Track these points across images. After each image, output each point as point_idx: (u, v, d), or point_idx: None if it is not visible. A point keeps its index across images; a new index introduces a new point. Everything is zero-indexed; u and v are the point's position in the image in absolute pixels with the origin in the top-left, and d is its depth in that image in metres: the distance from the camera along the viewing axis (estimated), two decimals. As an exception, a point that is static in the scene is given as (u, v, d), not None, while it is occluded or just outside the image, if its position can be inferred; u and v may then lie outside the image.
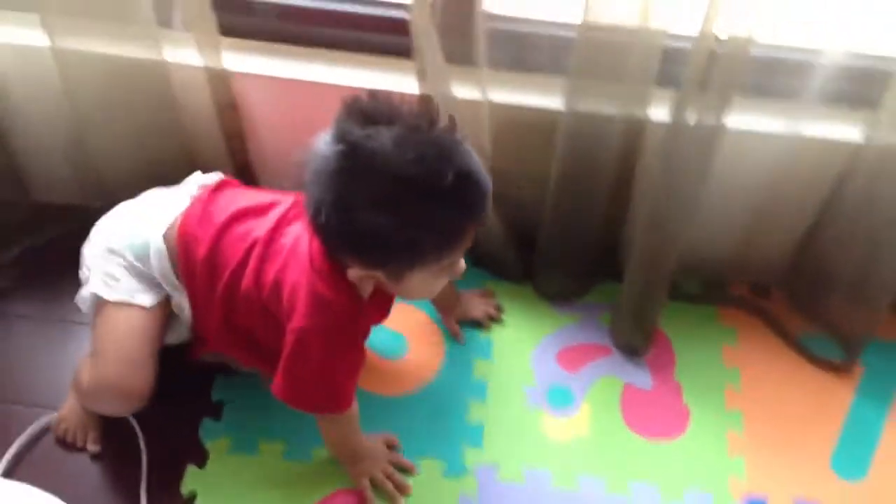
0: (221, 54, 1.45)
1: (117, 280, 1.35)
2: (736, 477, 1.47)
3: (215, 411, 1.51)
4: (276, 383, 1.30)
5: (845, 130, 1.42)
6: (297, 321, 1.24)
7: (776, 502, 1.45)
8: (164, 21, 1.44)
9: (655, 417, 1.54)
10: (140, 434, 1.46)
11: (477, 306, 1.64)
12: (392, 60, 1.49)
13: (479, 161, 1.13)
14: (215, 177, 1.42)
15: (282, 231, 1.30)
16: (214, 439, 1.48)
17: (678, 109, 1.34)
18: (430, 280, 1.21)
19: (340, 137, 1.08)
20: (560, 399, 1.56)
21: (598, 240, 1.60)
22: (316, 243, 1.21)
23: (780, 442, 1.52)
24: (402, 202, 1.08)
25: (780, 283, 1.68)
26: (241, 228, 1.32)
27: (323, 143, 1.10)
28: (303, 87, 1.49)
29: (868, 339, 1.60)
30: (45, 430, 1.48)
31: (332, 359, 1.27)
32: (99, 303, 1.36)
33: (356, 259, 1.16)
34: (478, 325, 1.63)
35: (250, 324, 1.36)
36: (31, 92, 1.57)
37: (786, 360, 1.63)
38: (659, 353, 1.63)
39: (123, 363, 1.33)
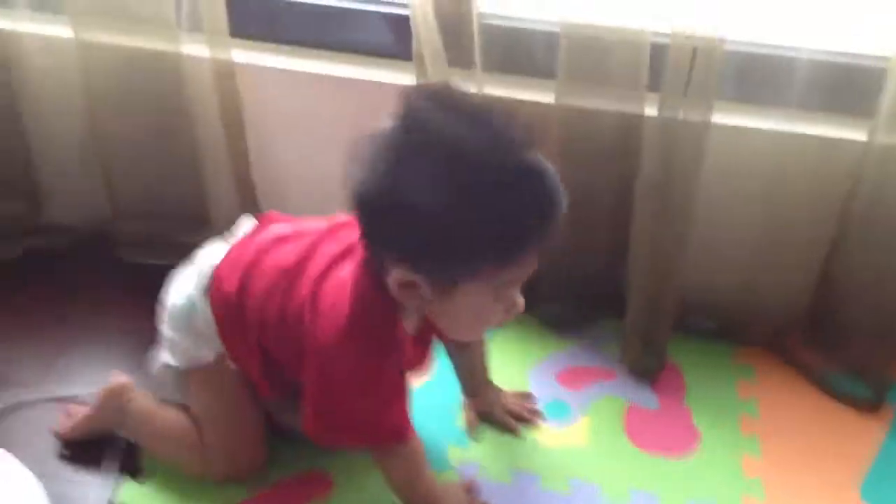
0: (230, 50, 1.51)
1: (178, 345, 1.27)
2: (752, 497, 1.30)
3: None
4: (306, 416, 1.14)
5: (845, 132, 1.39)
6: (320, 340, 1.09)
7: (797, 525, 1.27)
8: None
9: (662, 434, 1.41)
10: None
11: (506, 404, 1.42)
12: (392, 62, 1.52)
13: (552, 169, 1.01)
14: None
15: (313, 257, 1.16)
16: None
17: (667, 106, 1.33)
18: (483, 303, 1.05)
19: (407, 114, 0.99)
20: (557, 411, 1.44)
21: (600, 269, 1.55)
22: (354, 262, 1.11)
23: (803, 470, 1.36)
24: (468, 183, 0.95)
25: (801, 326, 1.57)
26: (269, 260, 1.19)
27: (384, 122, 1.00)
28: (302, 78, 1.54)
29: (892, 381, 1.47)
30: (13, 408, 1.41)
31: (370, 376, 1.10)
32: (177, 371, 1.28)
33: (399, 257, 1.01)
34: (505, 427, 1.40)
35: (286, 363, 1.21)
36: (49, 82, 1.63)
37: (808, 395, 1.49)
38: (668, 380, 1.51)
39: (248, 443, 1.28)
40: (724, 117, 1.39)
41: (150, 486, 1.30)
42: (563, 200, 1.00)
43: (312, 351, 1.11)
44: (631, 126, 1.39)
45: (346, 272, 1.11)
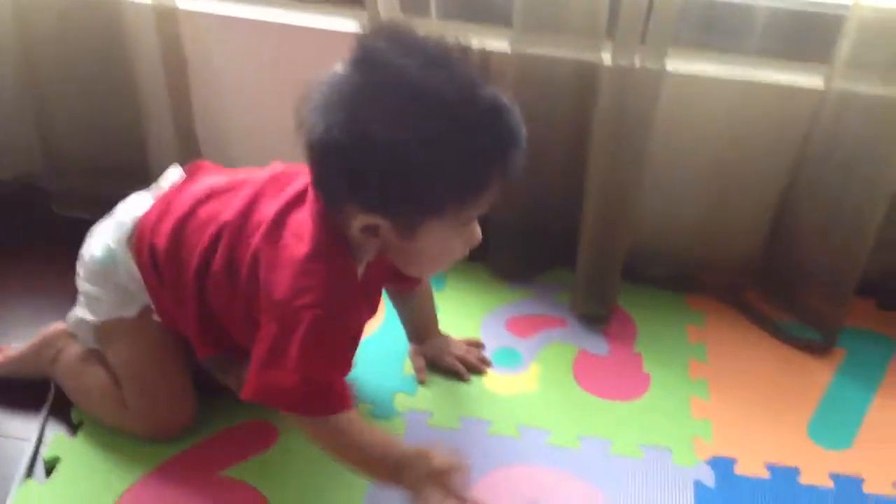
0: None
1: (98, 300, 1.23)
2: (701, 438, 1.30)
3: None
4: (249, 379, 1.06)
5: (802, 80, 1.39)
6: (277, 294, 1.04)
7: (746, 465, 1.27)
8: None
9: (611, 380, 1.40)
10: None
11: (451, 352, 1.39)
12: (341, 8, 1.49)
13: (513, 103, 0.99)
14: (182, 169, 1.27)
15: (257, 207, 1.12)
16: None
17: (622, 53, 1.31)
18: (445, 240, 1.03)
19: (362, 56, 0.96)
20: (507, 359, 1.42)
21: (552, 218, 1.53)
22: (307, 210, 1.07)
23: (750, 410, 1.36)
24: (427, 121, 0.93)
25: (753, 275, 1.56)
26: (205, 212, 1.15)
27: (337, 66, 0.98)
28: (246, 26, 1.49)
29: (842, 326, 1.47)
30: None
31: (322, 347, 1.04)
32: (95, 327, 1.24)
33: (363, 200, 0.98)
34: (452, 373, 1.38)
35: (228, 321, 1.16)
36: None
37: (757, 340, 1.49)
38: (619, 326, 1.50)
39: (165, 399, 1.23)
40: (681, 65, 1.38)
41: (82, 438, 1.26)
42: (524, 134, 0.99)
43: (270, 303, 1.06)
44: (587, 74, 1.37)
45: (300, 221, 1.07)
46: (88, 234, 1.26)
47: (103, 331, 1.23)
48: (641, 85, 1.32)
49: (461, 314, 1.49)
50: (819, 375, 1.43)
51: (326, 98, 0.96)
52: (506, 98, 0.98)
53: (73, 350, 1.29)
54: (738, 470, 1.26)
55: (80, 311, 1.26)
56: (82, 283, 1.24)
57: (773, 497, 1.22)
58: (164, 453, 1.23)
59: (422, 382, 1.36)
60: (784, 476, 1.25)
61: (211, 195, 1.17)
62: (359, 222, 1.00)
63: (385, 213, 0.99)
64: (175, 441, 1.24)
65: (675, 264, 1.59)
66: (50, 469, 1.22)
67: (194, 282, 1.14)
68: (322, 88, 0.97)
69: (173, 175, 1.25)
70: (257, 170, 1.19)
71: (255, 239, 1.09)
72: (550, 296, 1.55)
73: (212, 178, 1.21)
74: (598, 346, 1.46)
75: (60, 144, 1.60)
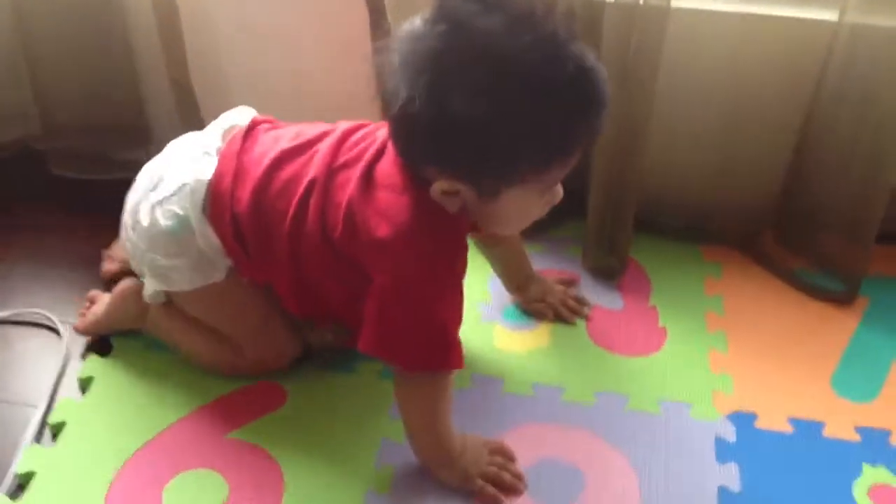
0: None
1: (176, 270, 1.17)
2: (721, 392, 1.26)
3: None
4: (367, 335, 1.05)
5: (814, 13, 1.33)
6: (388, 246, 1.02)
7: (768, 419, 1.23)
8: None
9: (626, 335, 1.36)
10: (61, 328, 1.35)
11: (554, 292, 1.38)
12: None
13: (597, 61, 0.95)
14: (243, 116, 1.21)
15: (340, 163, 1.09)
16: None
17: None
18: (527, 202, 1.02)
19: (443, 15, 0.93)
20: (518, 316, 1.39)
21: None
22: (391, 164, 1.04)
23: (771, 362, 1.32)
24: (510, 91, 0.90)
25: (771, 223, 1.52)
26: (285, 174, 1.11)
27: (417, 23, 0.94)
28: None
29: (865, 273, 1.42)
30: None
31: (442, 297, 1.04)
32: (184, 295, 1.21)
33: (444, 165, 0.97)
34: (561, 319, 1.37)
35: (324, 284, 1.14)
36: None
37: (776, 291, 1.45)
38: (632, 280, 1.46)
39: (276, 343, 1.24)
40: (687, 1, 1.32)
41: (89, 402, 1.24)
42: (609, 94, 0.96)
43: (378, 254, 1.03)
44: (591, 10, 1.31)
45: (388, 174, 1.04)
46: (133, 201, 1.20)
47: (192, 297, 1.21)
48: (647, 21, 1.26)
49: (471, 269, 1.43)
50: (842, 325, 1.38)
51: (406, 59, 0.93)
52: (591, 58, 0.94)
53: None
54: (760, 424, 1.22)
55: (154, 284, 1.21)
56: (146, 256, 1.18)
57: (796, 452, 1.19)
58: (171, 416, 1.21)
59: (549, 320, 1.37)
60: (808, 430, 1.21)
61: (283, 156, 1.12)
62: (440, 186, 0.98)
63: (465, 180, 0.97)
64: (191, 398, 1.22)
65: (690, 213, 1.54)
66: (56, 433, 1.19)
67: (288, 248, 1.10)
68: (402, 46, 0.94)
69: (223, 123, 1.21)
70: (318, 125, 1.16)
71: (347, 194, 1.06)
72: (562, 250, 1.51)
73: (276, 136, 1.16)
74: (612, 300, 1.42)
75: (56, 104, 1.56)
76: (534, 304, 1.37)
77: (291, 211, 1.09)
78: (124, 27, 1.49)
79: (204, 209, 1.14)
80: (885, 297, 1.43)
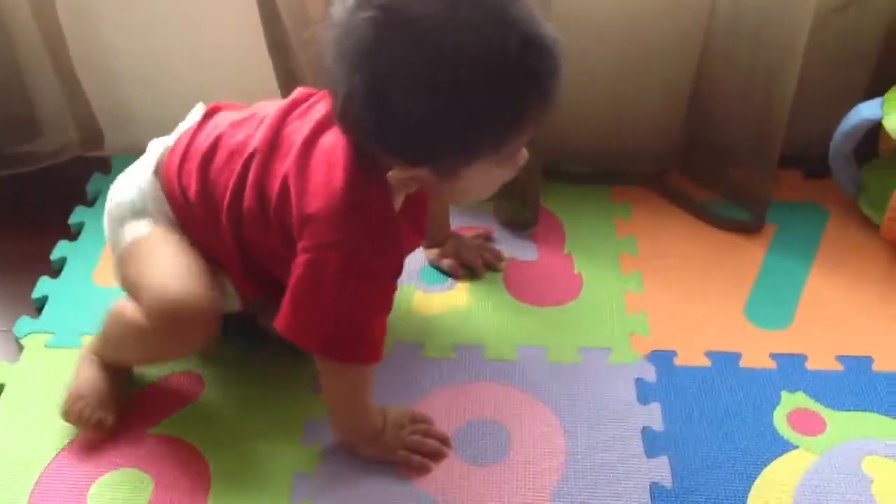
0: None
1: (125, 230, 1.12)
2: (638, 334, 1.28)
3: (35, 310, 1.34)
4: (282, 314, 1.01)
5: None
6: (311, 225, 0.99)
7: (686, 356, 1.25)
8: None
9: (543, 286, 1.36)
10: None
11: (470, 248, 1.37)
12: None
13: (544, 21, 0.90)
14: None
15: (284, 131, 1.05)
16: (30, 334, 1.29)
17: None
18: (488, 174, 0.99)
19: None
20: (434, 277, 1.38)
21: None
22: (336, 136, 0.99)
23: (686, 298, 1.34)
24: (456, 79, 0.85)
25: (676, 159, 1.53)
26: (230, 144, 1.07)
27: (343, 9, 0.89)
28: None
29: (770, 200, 1.45)
30: None
31: (361, 283, 1.00)
32: (119, 255, 1.13)
33: (398, 157, 0.93)
34: (469, 271, 1.37)
35: (267, 257, 1.09)
36: None
37: (687, 225, 1.47)
38: (546, 230, 1.46)
39: (181, 277, 1.05)
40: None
41: (25, 363, 1.20)
42: (560, 62, 0.91)
43: (302, 232, 0.99)
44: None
45: (331, 147, 1.00)
46: (108, 200, 1.17)
47: (126, 251, 1.12)
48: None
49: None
50: (752, 255, 1.41)
51: (341, 47, 0.89)
52: (537, 21, 0.89)
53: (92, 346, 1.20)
54: (679, 361, 1.24)
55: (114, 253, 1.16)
56: (112, 234, 1.15)
57: (716, 385, 1.21)
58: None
59: (458, 278, 1.36)
60: (725, 362, 1.24)
61: (230, 128, 1.09)
62: (396, 174, 0.95)
63: (423, 164, 0.94)
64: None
65: (597, 159, 1.55)
66: None
67: (228, 219, 1.06)
68: (335, 31, 0.90)
69: (195, 114, 1.16)
70: (272, 101, 1.12)
71: (285, 165, 1.02)
72: (473, 206, 1.49)
73: (230, 113, 1.13)
74: (526, 252, 1.42)
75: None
76: (444, 260, 1.36)
77: (234, 179, 1.05)
78: (2, 22, 1.42)
79: (158, 177, 1.11)
80: (791, 222, 1.45)
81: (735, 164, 1.46)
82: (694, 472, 1.10)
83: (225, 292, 1.12)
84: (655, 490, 1.08)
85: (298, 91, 1.11)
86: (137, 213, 1.12)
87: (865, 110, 1.35)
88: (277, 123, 1.06)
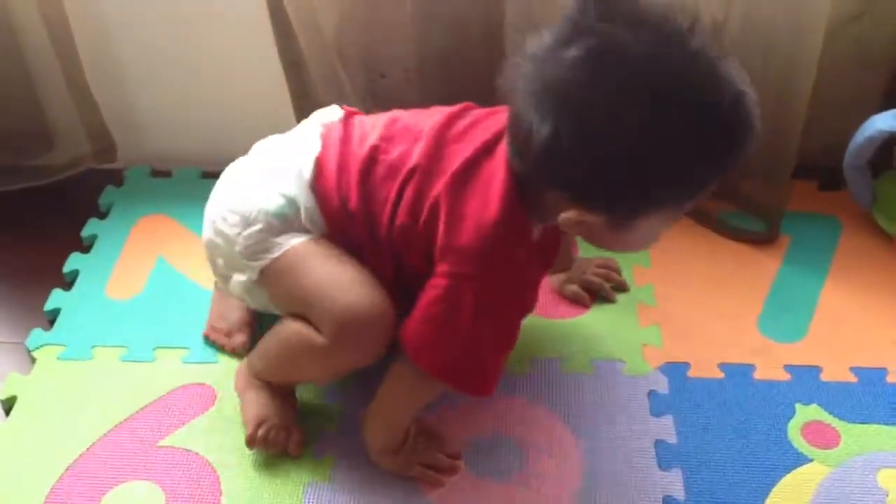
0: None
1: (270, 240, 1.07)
2: (652, 346, 1.27)
3: (48, 322, 1.34)
4: (411, 327, 1.00)
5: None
6: (455, 254, 0.98)
7: (699, 368, 1.24)
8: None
9: (556, 297, 1.36)
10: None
11: (596, 270, 1.35)
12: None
13: (748, 83, 0.88)
14: (336, 111, 1.14)
15: (444, 151, 1.02)
16: (42, 347, 1.29)
17: None
18: (656, 228, 0.96)
19: (578, 34, 0.84)
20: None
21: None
22: (499, 165, 0.97)
23: (699, 310, 1.33)
24: (668, 123, 0.83)
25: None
26: (389, 157, 1.04)
27: (547, 41, 0.87)
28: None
29: (784, 210, 1.44)
30: None
31: (494, 319, 0.99)
32: (266, 270, 1.08)
33: (580, 199, 0.91)
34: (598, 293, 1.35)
35: (410, 270, 1.06)
36: None
37: (700, 236, 1.45)
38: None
39: (357, 284, 1.03)
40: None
41: (37, 375, 1.21)
42: (758, 121, 0.88)
43: (445, 258, 0.98)
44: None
45: (492, 174, 0.98)
46: (219, 200, 1.12)
47: (268, 273, 1.08)
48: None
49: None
50: (766, 266, 1.40)
51: (545, 85, 0.86)
52: (740, 77, 0.87)
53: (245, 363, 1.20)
54: (692, 373, 1.23)
55: (240, 276, 1.10)
56: (240, 245, 1.08)
57: (729, 397, 1.20)
58: (100, 429, 1.17)
59: (587, 305, 1.33)
60: (739, 374, 1.23)
61: (383, 139, 1.06)
62: (568, 214, 0.92)
63: (601, 211, 0.91)
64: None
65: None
66: (8, 409, 1.19)
67: (386, 231, 1.04)
68: (536, 68, 0.87)
69: (319, 118, 1.14)
70: (413, 111, 1.10)
71: (440, 185, 1.00)
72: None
73: (373, 122, 1.10)
74: (539, 263, 1.41)
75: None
76: (568, 286, 1.34)
77: (392, 197, 1.03)
78: (14, 34, 1.43)
79: (312, 188, 1.06)
80: (805, 233, 1.44)
81: (749, 176, 1.45)
82: (707, 485, 1.09)
83: None
84: (669, 503, 1.07)
85: (444, 109, 1.08)
86: (289, 222, 1.07)
87: (880, 122, 1.34)
88: (437, 139, 1.03)
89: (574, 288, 1.33)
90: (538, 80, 0.87)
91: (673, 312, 1.32)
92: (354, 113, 1.14)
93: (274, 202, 1.07)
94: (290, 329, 1.09)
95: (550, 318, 1.32)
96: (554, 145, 0.86)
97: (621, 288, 1.36)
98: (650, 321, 1.30)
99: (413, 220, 1.02)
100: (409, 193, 1.02)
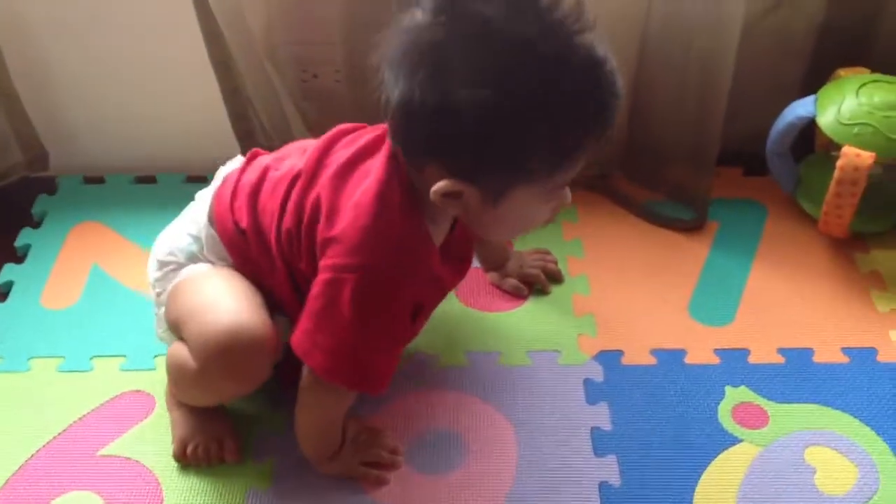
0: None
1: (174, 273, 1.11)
2: (586, 335, 1.30)
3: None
4: (298, 330, 1.01)
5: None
6: (336, 255, 0.98)
7: (633, 355, 1.27)
8: None
9: (492, 291, 1.38)
10: None
11: (532, 264, 1.37)
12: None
13: (611, 54, 0.90)
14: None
15: (329, 157, 1.04)
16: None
17: None
18: (532, 206, 0.97)
19: (444, 6, 0.88)
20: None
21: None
22: (377, 161, 0.99)
23: (631, 298, 1.36)
24: (520, 79, 0.85)
25: (620, 163, 1.55)
26: (278, 173, 1.07)
27: (417, 16, 0.89)
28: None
29: (710, 197, 1.48)
30: None
31: (376, 312, 0.99)
32: (169, 296, 1.11)
33: (448, 165, 0.92)
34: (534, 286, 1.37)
35: (302, 277, 1.06)
36: None
37: (631, 225, 1.49)
38: (493, 235, 1.47)
39: (234, 310, 1.03)
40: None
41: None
42: (621, 89, 0.91)
43: (325, 252, 0.99)
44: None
45: (369, 168, 1.00)
46: (156, 250, 1.16)
47: (175, 290, 1.10)
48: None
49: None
50: (695, 253, 1.43)
51: (405, 51, 0.89)
52: (602, 47, 0.89)
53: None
54: (626, 360, 1.26)
55: (158, 326, 1.16)
56: (165, 283, 1.12)
57: (662, 382, 1.23)
58: (38, 441, 1.17)
59: (525, 297, 1.35)
60: (671, 359, 1.26)
61: (276, 160, 1.10)
62: (441, 187, 0.93)
63: (472, 179, 0.92)
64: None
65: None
66: None
67: (276, 242, 1.05)
68: (400, 37, 0.90)
69: (234, 163, 1.18)
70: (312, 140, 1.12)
71: (321, 183, 1.02)
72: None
73: (277, 152, 1.14)
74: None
75: None
76: (507, 280, 1.36)
77: (277, 206, 1.05)
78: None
79: (210, 220, 1.10)
80: (732, 219, 1.48)
81: (675, 164, 1.49)
82: (641, 469, 1.12)
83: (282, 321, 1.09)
84: (604, 489, 1.10)
85: (342, 126, 1.10)
86: (194, 258, 1.11)
87: (800, 108, 1.38)
88: (323, 149, 1.06)
89: (513, 281, 1.36)
90: (403, 45, 0.90)
91: (607, 301, 1.35)
92: (261, 152, 1.16)
93: (183, 242, 1.12)
94: (171, 352, 1.12)
95: (487, 312, 1.34)
96: (408, 101, 0.88)
97: (556, 279, 1.38)
98: (585, 311, 1.33)
99: (297, 222, 1.03)
100: (293, 198, 1.04)
